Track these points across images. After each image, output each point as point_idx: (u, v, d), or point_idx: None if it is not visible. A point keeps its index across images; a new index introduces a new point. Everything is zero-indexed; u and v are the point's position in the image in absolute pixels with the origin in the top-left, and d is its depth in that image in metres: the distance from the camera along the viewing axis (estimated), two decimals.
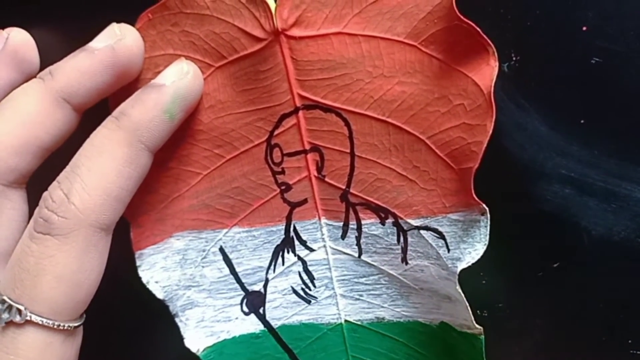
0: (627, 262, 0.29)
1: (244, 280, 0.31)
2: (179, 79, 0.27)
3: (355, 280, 0.31)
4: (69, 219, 0.25)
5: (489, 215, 0.27)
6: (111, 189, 0.26)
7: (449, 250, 0.28)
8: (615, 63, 0.27)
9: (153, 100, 0.26)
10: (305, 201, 0.30)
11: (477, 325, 0.28)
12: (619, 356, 0.31)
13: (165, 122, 0.26)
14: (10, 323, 0.25)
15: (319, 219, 0.30)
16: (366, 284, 0.31)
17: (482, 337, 0.29)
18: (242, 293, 0.31)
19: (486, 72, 0.25)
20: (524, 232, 0.30)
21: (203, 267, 0.31)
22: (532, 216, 0.29)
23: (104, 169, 0.26)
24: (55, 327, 0.26)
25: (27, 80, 0.27)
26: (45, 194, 0.26)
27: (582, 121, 0.28)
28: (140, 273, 0.30)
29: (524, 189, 0.29)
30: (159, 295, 0.30)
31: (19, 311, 0.25)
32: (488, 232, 0.27)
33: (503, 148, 0.29)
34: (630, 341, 0.31)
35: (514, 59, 0.27)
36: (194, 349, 0.31)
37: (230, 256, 0.31)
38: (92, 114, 0.27)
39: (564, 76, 0.28)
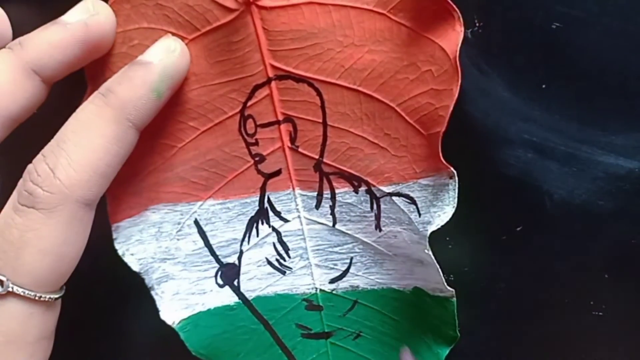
0: (588, 225, 0.30)
1: (218, 253, 0.31)
2: (167, 56, 0.27)
3: (330, 249, 0.31)
4: (54, 194, 0.25)
5: (457, 179, 0.27)
6: (98, 165, 0.26)
7: (420, 214, 0.28)
8: (575, 28, 0.28)
9: (140, 79, 0.26)
10: (279, 172, 0.30)
11: (449, 288, 0.29)
12: (581, 317, 0.32)
13: (153, 101, 0.26)
14: None
15: (293, 189, 0.31)
16: (340, 253, 0.31)
17: (454, 299, 0.29)
18: (217, 265, 0.31)
19: (452, 37, 0.26)
20: (488, 197, 0.31)
21: (178, 239, 0.31)
22: (496, 181, 0.30)
23: (91, 145, 0.26)
24: (36, 298, 0.26)
25: None
26: (29, 166, 0.26)
27: (543, 86, 0.29)
28: (116, 245, 0.30)
29: (487, 154, 0.30)
30: (135, 267, 0.30)
31: (1, 282, 0.25)
32: (456, 195, 0.27)
33: (467, 114, 0.29)
34: (592, 302, 0.31)
35: (477, 25, 0.28)
36: (169, 322, 0.31)
37: (205, 228, 0.31)
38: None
39: (526, 42, 0.28)
